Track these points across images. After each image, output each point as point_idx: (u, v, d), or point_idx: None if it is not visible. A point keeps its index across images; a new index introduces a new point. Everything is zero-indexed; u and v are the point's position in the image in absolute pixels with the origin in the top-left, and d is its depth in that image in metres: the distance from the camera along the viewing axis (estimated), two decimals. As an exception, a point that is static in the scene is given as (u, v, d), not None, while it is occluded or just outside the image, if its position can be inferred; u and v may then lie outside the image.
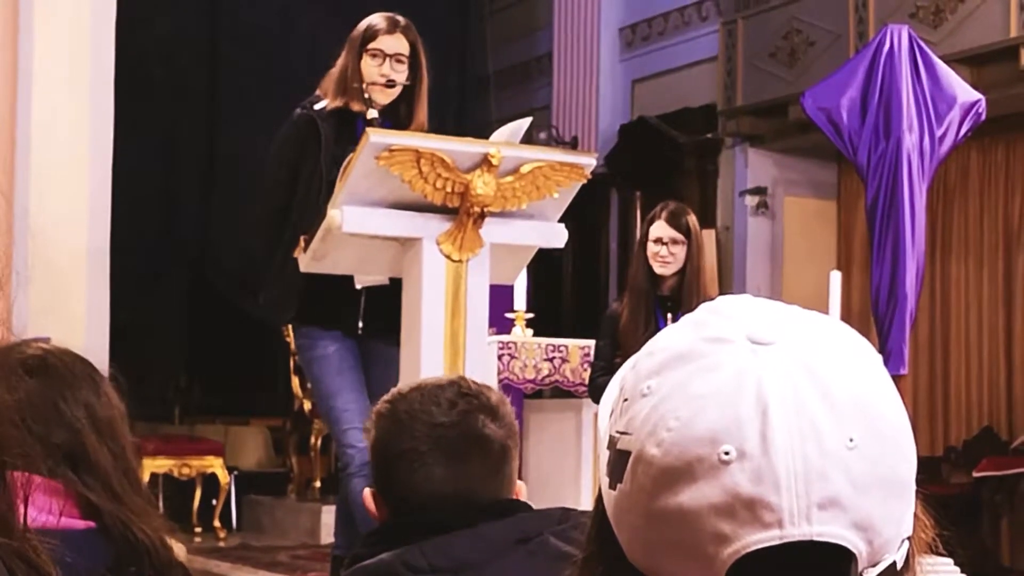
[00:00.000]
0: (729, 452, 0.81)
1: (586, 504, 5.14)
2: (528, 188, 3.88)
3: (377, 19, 4.26)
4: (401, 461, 1.77)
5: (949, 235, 8.92)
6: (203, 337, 10.70)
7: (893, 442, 0.85)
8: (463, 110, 11.48)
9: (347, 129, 4.17)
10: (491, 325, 4.80)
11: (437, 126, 4.40)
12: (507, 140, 4.03)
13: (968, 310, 8.83)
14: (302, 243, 3.96)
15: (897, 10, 8.12)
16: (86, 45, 5.81)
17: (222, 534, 8.13)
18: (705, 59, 9.94)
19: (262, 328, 7.14)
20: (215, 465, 8.18)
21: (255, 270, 4.53)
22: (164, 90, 10.45)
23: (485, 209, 3.81)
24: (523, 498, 1.84)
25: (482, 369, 3.84)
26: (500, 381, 5.94)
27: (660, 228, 4.83)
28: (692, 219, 4.89)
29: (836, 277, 6.16)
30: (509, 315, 6.30)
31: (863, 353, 0.88)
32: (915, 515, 0.88)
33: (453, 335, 3.84)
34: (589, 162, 4.05)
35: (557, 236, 4.04)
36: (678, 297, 4.81)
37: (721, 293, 5.76)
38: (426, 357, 3.79)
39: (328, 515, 6.84)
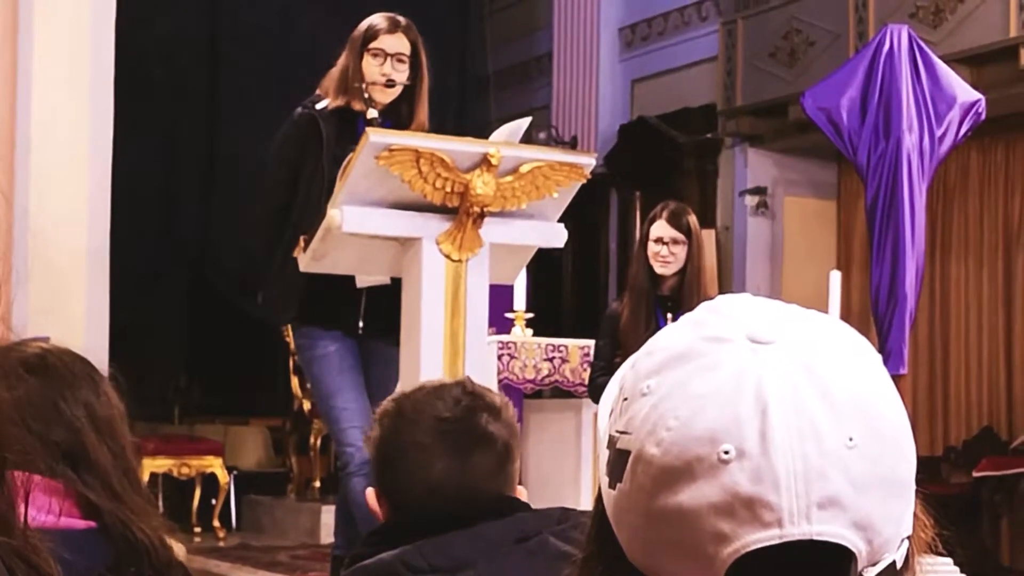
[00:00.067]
0: (728, 451, 0.81)
1: (586, 504, 5.14)
2: (528, 188, 3.88)
3: (378, 19, 4.27)
4: (406, 454, 1.79)
5: (949, 235, 8.92)
6: (203, 337, 10.70)
7: (893, 442, 0.85)
8: (463, 110, 11.47)
9: (348, 128, 4.17)
10: (491, 325, 4.80)
11: (437, 126, 4.40)
12: (506, 140, 4.03)
13: (968, 310, 8.83)
14: (302, 243, 3.96)
15: (897, 10, 8.12)
16: (86, 45, 5.80)
17: (221, 534, 8.13)
18: (705, 59, 9.94)
19: (262, 328, 7.13)
20: (215, 465, 8.18)
21: (255, 270, 4.53)
22: (164, 90, 10.45)
23: (485, 209, 3.82)
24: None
25: (482, 369, 3.84)
26: (500, 381, 5.94)
27: (661, 228, 4.83)
28: (693, 219, 4.90)
29: (836, 277, 6.16)
30: (509, 315, 6.31)
31: (863, 352, 0.88)
32: (915, 515, 0.88)
33: (453, 335, 3.84)
34: (588, 162, 4.06)
35: (557, 236, 4.04)
36: (678, 297, 4.81)
37: (721, 293, 5.75)
38: (426, 357, 3.79)
39: (328, 515, 6.85)
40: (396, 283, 4.02)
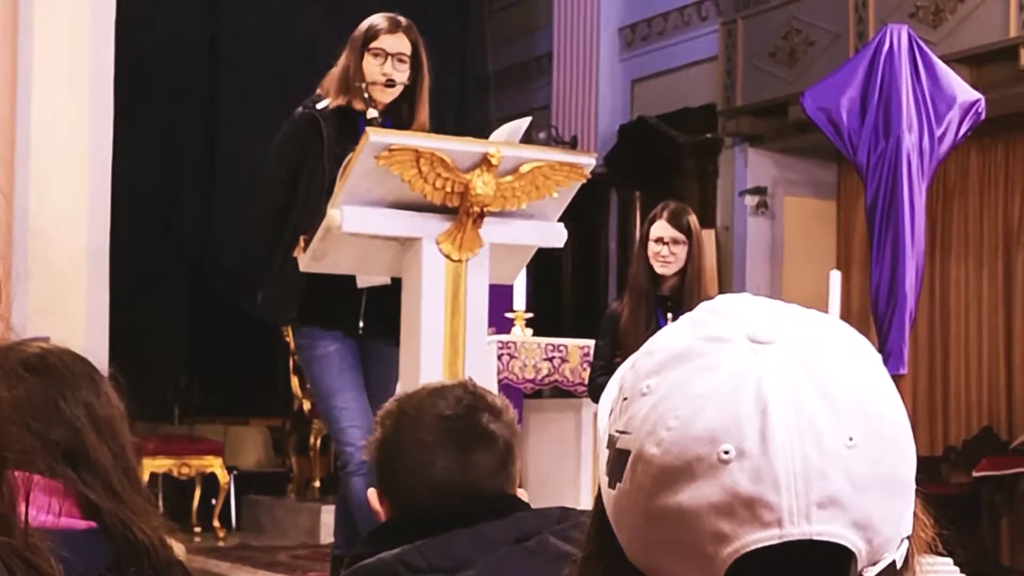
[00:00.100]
0: (728, 451, 0.81)
1: (586, 504, 5.14)
2: (527, 188, 3.88)
3: (379, 19, 4.28)
4: (407, 452, 1.80)
5: (949, 235, 8.92)
6: (203, 337, 10.70)
7: (893, 441, 0.85)
8: (463, 110, 11.47)
9: (349, 128, 4.17)
10: (491, 325, 4.80)
11: (437, 126, 4.40)
12: (506, 140, 4.03)
13: (968, 310, 8.83)
14: (302, 243, 3.96)
15: (897, 10, 8.12)
16: (86, 45, 5.80)
17: (221, 534, 8.13)
18: (705, 59, 9.94)
19: (262, 328, 7.13)
20: (215, 465, 8.18)
21: (255, 270, 4.53)
22: (164, 90, 10.45)
23: (485, 209, 3.81)
24: (523, 502, 1.85)
25: (482, 369, 3.84)
26: (500, 381, 5.95)
27: (661, 228, 4.83)
28: (693, 219, 4.90)
29: (836, 277, 6.16)
30: (509, 315, 6.31)
31: (863, 352, 0.88)
32: (915, 514, 0.88)
33: (453, 335, 3.84)
34: (588, 162, 4.06)
35: (557, 236, 4.04)
36: (679, 297, 4.81)
37: (721, 293, 5.75)
38: (426, 357, 3.79)
39: (328, 515, 6.85)
40: (396, 283, 4.02)
